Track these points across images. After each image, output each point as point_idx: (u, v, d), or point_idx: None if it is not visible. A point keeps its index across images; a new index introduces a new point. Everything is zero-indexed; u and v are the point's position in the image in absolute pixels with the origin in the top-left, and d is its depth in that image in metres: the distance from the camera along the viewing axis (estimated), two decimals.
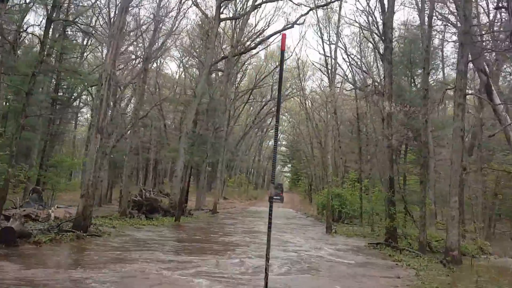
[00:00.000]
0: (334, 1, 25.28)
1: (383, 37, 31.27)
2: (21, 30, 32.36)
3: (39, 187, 22.21)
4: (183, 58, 38.45)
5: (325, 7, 29.01)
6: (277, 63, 49.02)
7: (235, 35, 29.36)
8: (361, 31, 30.35)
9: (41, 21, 35.17)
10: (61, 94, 27.48)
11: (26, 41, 32.65)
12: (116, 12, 23.79)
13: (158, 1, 23.25)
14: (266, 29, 32.47)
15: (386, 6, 16.82)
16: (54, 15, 20.39)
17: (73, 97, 28.23)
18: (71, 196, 34.48)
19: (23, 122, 13.90)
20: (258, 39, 33.61)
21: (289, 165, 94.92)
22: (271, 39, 42.00)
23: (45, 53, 27.80)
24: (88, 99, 40.49)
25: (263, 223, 25.34)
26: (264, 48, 43.08)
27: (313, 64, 42.17)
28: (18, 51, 30.35)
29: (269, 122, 73.09)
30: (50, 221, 14.05)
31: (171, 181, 61.45)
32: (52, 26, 29.36)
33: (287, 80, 52.39)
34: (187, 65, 38.82)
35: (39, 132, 26.83)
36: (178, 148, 30.03)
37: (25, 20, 34.38)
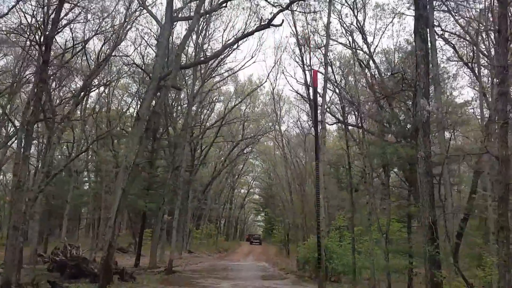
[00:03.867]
0: None
1: (373, 56, 27.03)
2: None
3: None
4: (139, 86, 32.66)
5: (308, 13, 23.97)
6: (249, 97, 44.07)
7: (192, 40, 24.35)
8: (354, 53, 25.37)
9: None
10: None
11: None
12: None
13: None
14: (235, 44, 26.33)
15: None
16: None
17: None
18: None
19: None
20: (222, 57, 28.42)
21: (262, 214, 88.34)
22: (239, 65, 37.05)
23: None
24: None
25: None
26: (232, 74, 37.73)
27: (295, 93, 36.72)
28: None
29: (241, 167, 67.35)
30: None
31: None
32: None
33: (261, 117, 47.33)
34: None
35: None
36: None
37: None
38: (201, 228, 57.13)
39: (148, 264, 27.96)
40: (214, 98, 42.09)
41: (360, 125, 26.53)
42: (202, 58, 25.87)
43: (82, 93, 28.06)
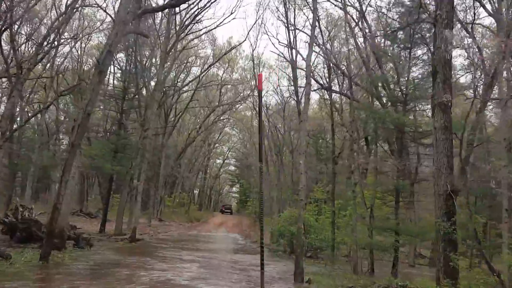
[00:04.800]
0: None
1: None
2: None
3: None
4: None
5: None
6: (228, 62, 41.96)
7: None
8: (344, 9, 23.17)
9: None
10: None
11: None
12: None
13: None
14: None
15: None
16: None
17: None
18: None
19: None
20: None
21: (238, 185, 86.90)
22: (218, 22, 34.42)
23: None
24: None
25: (195, 262, 17.34)
26: (209, 31, 35.34)
27: (277, 55, 34.78)
28: None
29: (217, 136, 65.42)
30: None
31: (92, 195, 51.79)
32: None
33: (240, 82, 45.25)
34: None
35: None
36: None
37: None
38: (173, 196, 55.35)
39: (114, 230, 26.14)
40: (190, 60, 39.66)
41: (347, 91, 24.78)
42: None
43: (49, 45, 25.58)
